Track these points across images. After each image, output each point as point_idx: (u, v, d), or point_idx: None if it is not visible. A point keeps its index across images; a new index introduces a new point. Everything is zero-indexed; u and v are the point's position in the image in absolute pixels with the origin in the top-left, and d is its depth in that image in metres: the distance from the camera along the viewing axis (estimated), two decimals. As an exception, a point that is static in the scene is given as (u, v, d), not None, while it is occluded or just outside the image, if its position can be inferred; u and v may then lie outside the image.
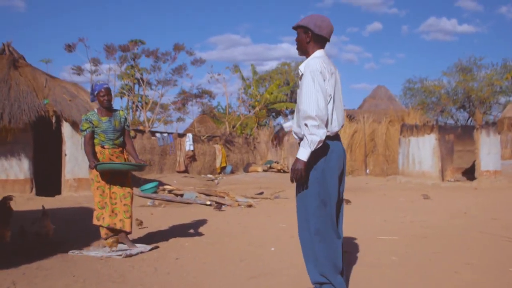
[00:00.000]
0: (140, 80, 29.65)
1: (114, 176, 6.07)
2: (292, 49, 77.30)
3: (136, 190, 13.41)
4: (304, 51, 3.97)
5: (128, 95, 30.71)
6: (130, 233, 6.17)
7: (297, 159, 3.66)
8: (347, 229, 7.72)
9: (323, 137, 3.61)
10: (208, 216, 9.46)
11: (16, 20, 75.06)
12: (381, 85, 36.69)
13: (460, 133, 19.04)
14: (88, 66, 28.20)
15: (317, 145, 3.60)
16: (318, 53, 3.89)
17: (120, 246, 6.13)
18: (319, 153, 3.71)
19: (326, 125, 3.68)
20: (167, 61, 28.90)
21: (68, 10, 75.52)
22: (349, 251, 5.94)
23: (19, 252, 5.78)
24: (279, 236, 7.13)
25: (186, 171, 22.30)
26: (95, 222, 6.03)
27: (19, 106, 12.38)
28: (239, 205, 11.45)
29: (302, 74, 3.77)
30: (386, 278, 4.81)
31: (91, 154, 6.02)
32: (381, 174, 22.34)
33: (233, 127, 29.96)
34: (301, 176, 3.67)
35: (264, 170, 24.06)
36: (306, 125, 3.62)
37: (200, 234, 7.31)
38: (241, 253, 5.89)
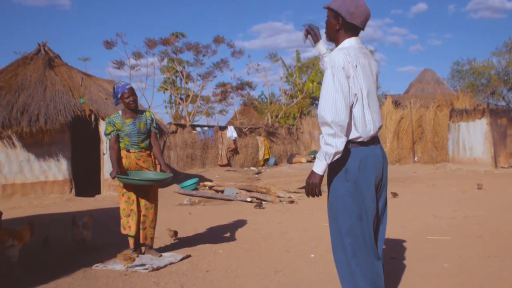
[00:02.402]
0: (181, 73, 29.52)
1: (138, 185, 5.71)
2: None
3: (176, 187, 13.19)
4: (333, 38, 3.39)
5: (171, 89, 30.61)
6: (151, 246, 5.86)
7: (312, 172, 3.18)
8: (394, 228, 7.21)
9: (341, 148, 3.10)
10: (247, 214, 9.07)
11: (59, 18, 76.31)
12: (428, 69, 35.54)
13: (513, 116, 18.05)
14: (128, 61, 28.21)
15: (333, 157, 3.11)
16: (347, 43, 3.32)
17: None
18: (350, 161, 3.21)
19: (349, 132, 3.18)
20: (207, 54, 28.71)
21: (109, 6, 76.28)
22: (397, 257, 5.43)
23: (40, 267, 5.49)
24: (320, 238, 6.65)
25: (228, 164, 22.02)
26: (122, 231, 5.74)
27: (55, 107, 12.24)
28: (280, 201, 11.02)
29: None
30: (438, 291, 4.29)
31: (115, 160, 5.70)
32: (430, 161, 21.49)
33: (276, 117, 29.50)
34: (316, 191, 3.20)
35: (308, 161, 23.58)
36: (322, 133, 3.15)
37: (236, 238, 6.91)
38: (278, 262, 5.45)
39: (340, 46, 3.32)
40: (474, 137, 18.03)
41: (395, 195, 10.86)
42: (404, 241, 6.30)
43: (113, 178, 5.52)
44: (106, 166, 12.94)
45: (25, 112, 11.87)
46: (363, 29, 3.36)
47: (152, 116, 6.00)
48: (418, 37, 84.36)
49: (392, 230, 7.14)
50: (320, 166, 3.14)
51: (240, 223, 8.15)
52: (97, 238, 6.82)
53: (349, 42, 3.32)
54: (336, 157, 3.12)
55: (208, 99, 31.62)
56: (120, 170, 5.66)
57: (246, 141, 23.48)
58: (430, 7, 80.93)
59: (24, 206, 10.93)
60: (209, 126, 22.50)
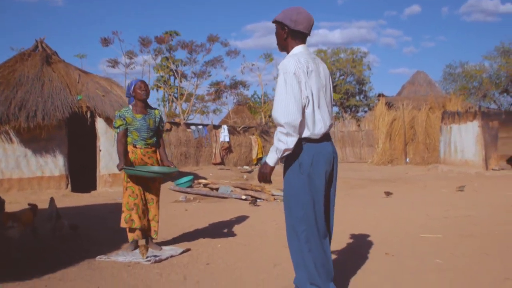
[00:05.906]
0: (175, 72, 29.60)
1: (142, 179, 5.85)
2: (330, 35, 76.18)
3: (171, 184, 13.31)
4: (283, 48, 3.80)
5: (164, 87, 30.69)
6: (153, 238, 6.02)
7: (265, 163, 3.63)
8: (388, 225, 7.41)
9: (291, 146, 3.49)
10: (243, 212, 9.21)
11: (54, 14, 76.14)
12: (420, 71, 35.85)
13: (504, 119, 18.28)
14: (123, 59, 28.30)
15: (283, 153, 3.51)
16: (296, 50, 3.71)
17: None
18: (304, 156, 3.59)
19: (302, 131, 3.55)
20: (201, 52, 28.86)
21: (103, 3, 76.17)
22: (392, 253, 5.59)
23: (47, 258, 5.60)
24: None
25: (222, 163, 22.15)
26: (122, 224, 5.80)
27: (52, 103, 12.34)
28: (275, 199, 11.18)
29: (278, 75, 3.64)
30: (431, 285, 4.44)
31: (122, 153, 5.80)
32: (421, 162, 21.76)
33: (270, 116, 29.69)
34: (267, 179, 3.64)
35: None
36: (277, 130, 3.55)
37: (233, 234, 7.06)
38: (275, 256, 5.59)
39: (290, 53, 3.70)
40: (465, 139, 18.27)
41: (388, 194, 11.04)
42: (397, 238, 6.46)
43: (120, 170, 5.64)
44: (102, 162, 13.06)
45: (23, 107, 11.97)
46: (309, 34, 3.75)
47: (161, 115, 6.15)
48: (411, 39, 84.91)
49: (385, 227, 7.32)
50: (271, 159, 3.56)
51: (236, 220, 8.29)
52: (94, 232, 6.96)
53: (298, 49, 3.70)
54: (286, 153, 3.51)
55: (202, 98, 31.76)
56: (126, 163, 5.79)
57: (240, 140, 23.62)
58: (424, 9, 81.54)
59: (20, 201, 10.97)
60: (203, 125, 22.62)
